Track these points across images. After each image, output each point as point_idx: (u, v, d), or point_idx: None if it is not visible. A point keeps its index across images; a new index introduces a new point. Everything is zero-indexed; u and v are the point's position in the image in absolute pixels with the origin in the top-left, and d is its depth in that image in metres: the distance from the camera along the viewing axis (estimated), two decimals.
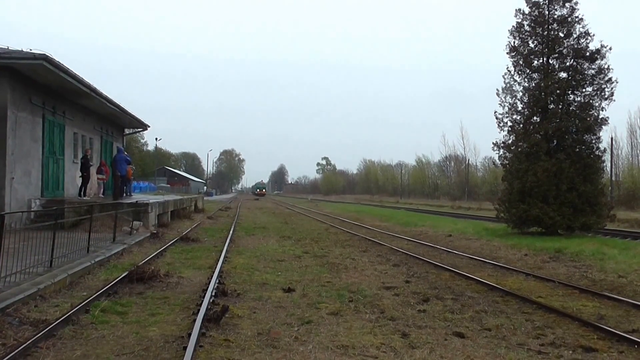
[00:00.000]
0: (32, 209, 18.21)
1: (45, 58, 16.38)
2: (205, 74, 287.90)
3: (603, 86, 21.73)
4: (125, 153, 27.47)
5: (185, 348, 6.16)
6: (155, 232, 19.49)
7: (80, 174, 23.64)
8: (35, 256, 9.87)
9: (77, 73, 19.18)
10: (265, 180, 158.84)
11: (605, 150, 24.43)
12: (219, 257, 14.30)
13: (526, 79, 23.07)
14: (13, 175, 17.58)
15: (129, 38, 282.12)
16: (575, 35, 22.26)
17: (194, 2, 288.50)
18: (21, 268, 9.13)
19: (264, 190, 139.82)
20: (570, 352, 6.76)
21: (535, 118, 22.76)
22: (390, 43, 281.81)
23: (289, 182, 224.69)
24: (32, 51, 16.51)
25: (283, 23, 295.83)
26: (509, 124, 23.21)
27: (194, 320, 7.36)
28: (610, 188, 42.82)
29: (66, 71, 18.08)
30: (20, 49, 16.74)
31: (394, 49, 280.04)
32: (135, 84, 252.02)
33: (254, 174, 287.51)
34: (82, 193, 23.25)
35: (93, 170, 24.96)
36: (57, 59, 17.08)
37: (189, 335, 6.68)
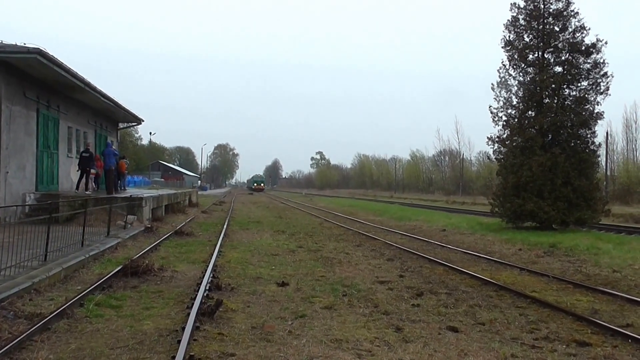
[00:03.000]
0: (27, 203, 18.15)
1: (39, 52, 16.31)
2: (200, 70, 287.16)
3: (598, 80, 21.77)
4: (114, 147, 27.35)
5: (179, 342, 6.16)
6: (149, 226, 19.47)
7: (77, 168, 23.60)
8: (29, 250, 9.86)
9: (71, 67, 19.11)
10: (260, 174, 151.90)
11: (600, 144, 24.53)
12: (213, 251, 14.30)
13: (521, 73, 23.11)
14: (7, 169, 17.51)
15: (124, 34, 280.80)
16: (570, 29, 22.29)
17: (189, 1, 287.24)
18: (16, 262, 9.11)
19: (262, 184, 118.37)
20: (564, 346, 6.79)
21: (530, 112, 22.80)
22: (385, 39, 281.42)
23: (283, 176, 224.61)
24: (26, 45, 16.43)
25: (279, 22, 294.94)
26: (504, 118, 23.27)
27: (188, 314, 7.37)
28: (605, 183, 42.98)
29: (60, 65, 18.01)
30: (14, 43, 16.65)
31: (389, 45, 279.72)
32: (129, 79, 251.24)
33: (248, 168, 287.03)
34: (83, 186, 23.21)
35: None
36: (51, 53, 17.00)
37: (183, 329, 6.68)
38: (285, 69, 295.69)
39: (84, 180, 23.35)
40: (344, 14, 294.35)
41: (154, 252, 14.38)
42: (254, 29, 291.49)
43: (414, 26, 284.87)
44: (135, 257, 12.16)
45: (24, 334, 6.24)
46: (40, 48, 16.36)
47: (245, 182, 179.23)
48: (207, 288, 9.30)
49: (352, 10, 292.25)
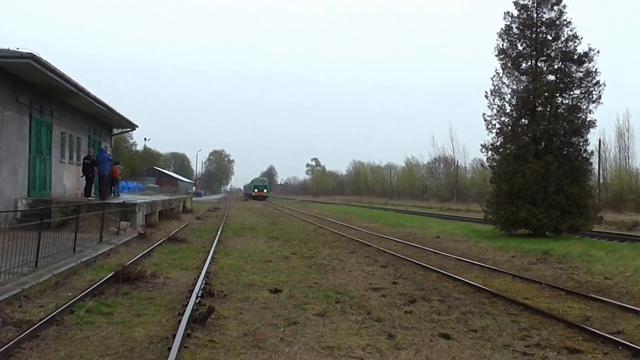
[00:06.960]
0: (19, 209, 18.06)
1: (32, 57, 16.26)
2: (196, 75, 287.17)
3: (591, 89, 21.89)
4: (108, 153, 27.33)
5: (169, 349, 6.14)
6: (142, 232, 19.40)
7: (82, 175, 23.68)
8: (20, 256, 9.81)
9: (65, 73, 19.08)
10: None
11: (593, 152, 24.62)
12: (207, 257, 14.24)
13: (514, 82, 23.19)
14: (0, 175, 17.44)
15: (121, 43, 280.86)
16: (563, 38, 22.42)
17: (186, 2, 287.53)
18: (6, 268, 9.06)
19: (264, 190, 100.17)
20: (555, 353, 6.80)
21: (523, 120, 22.88)
22: (381, 41, 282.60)
23: (279, 183, 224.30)
24: (19, 50, 16.38)
25: (277, 34, 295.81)
26: (498, 126, 23.34)
27: (180, 321, 7.33)
28: (597, 190, 43.17)
29: (53, 70, 17.96)
30: (7, 48, 16.60)
31: (385, 49, 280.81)
32: (125, 86, 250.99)
33: (244, 174, 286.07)
34: (89, 192, 23.25)
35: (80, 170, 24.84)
36: (44, 58, 16.97)
37: (174, 336, 6.66)
38: (282, 79, 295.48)
39: (89, 185, 23.47)
40: (341, 27, 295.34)
41: (146, 258, 14.33)
42: (253, 41, 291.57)
43: (411, 33, 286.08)
44: (127, 264, 12.11)
45: (12, 341, 6.19)
46: (34, 53, 16.32)
47: (242, 188, 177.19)
48: (199, 295, 9.26)
49: (347, 24, 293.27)
